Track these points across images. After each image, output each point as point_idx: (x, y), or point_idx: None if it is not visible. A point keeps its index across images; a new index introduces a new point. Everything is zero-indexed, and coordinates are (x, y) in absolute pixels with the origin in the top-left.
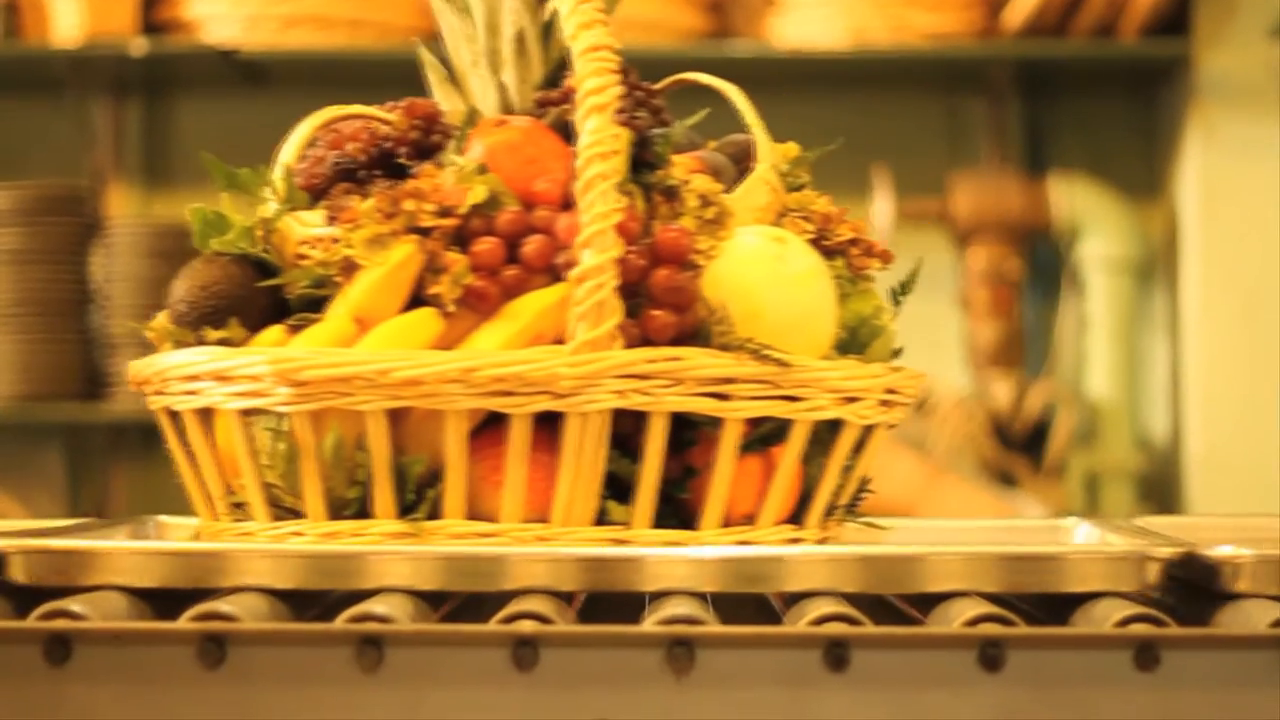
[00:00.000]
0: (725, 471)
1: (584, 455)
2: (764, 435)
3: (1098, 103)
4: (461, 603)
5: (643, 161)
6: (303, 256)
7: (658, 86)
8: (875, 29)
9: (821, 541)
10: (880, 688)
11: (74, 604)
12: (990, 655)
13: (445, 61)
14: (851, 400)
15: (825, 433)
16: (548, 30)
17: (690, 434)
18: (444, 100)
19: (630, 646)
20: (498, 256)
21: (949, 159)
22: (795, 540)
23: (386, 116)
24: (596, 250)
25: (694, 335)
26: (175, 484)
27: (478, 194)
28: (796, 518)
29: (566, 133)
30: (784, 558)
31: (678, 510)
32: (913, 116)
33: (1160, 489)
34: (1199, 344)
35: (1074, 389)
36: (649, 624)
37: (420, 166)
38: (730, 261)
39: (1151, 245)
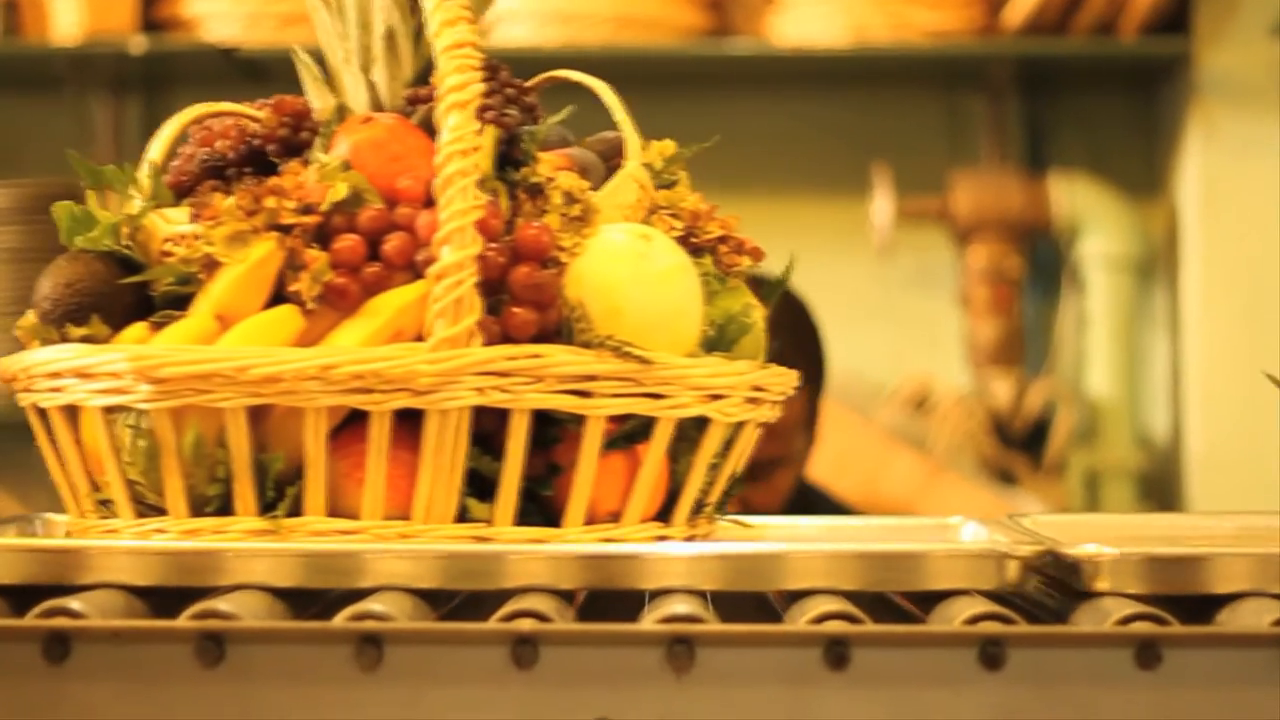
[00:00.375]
0: (588, 469)
1: (444, 452)
2: (628, 433)
3: (1098, 101)
4: (461, 601)
5: (512, 159)
6: (167, 254)
7: (529, 84)
8: (875, 26)
9: (689, 539)
10: (880, 686)
11: (73, 602)
12: (991, 654)
13: (321, 59)
14: (717, 397)
15: (693, 430)
16: (420, 29)
17: (555, 431)
18: (317, 98)
19: (630, 645)
20: (358, 254)
21: (949, 157)
22: (662, 538)
23: (256, 114)
24: (455, 247)
25: (556, 333)
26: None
27: (339, 191)
28: (665, 515)
29: (435, 131)
30: (641, 556)
31: (543, 508)
32: (913, 114)
33: (1160, 487)
34: (1199, 342)
35: (1074, 387)
36: (649, 622)
37: (287, 164)
38: (593, 259)
39: (1152, 243)
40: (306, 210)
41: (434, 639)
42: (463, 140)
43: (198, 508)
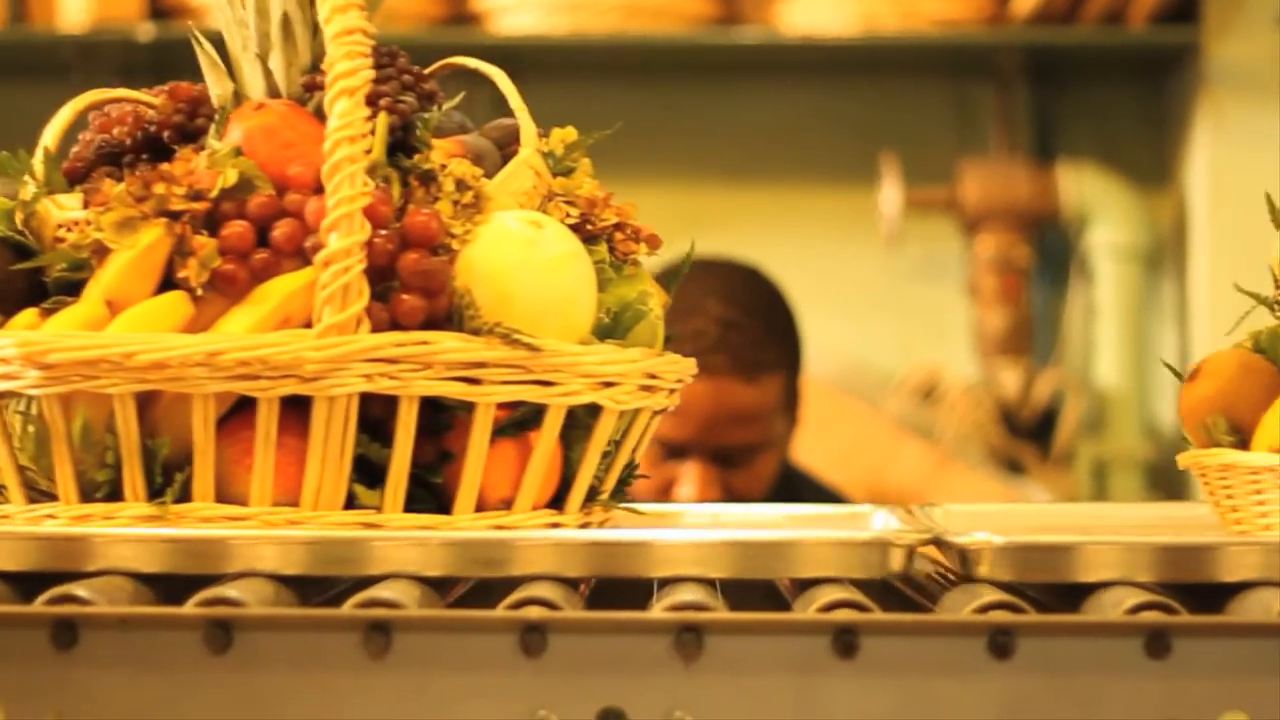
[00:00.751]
0: (478, 456)
1: (333, 439)
2: (519, 420)
3: (1107, 90)
4: (470, 588)
5: (407, 146)
6: (60, 240)
7: (428, 71)
8: (884, 16)
9: (583, 526)
10: (889, 675)
11: (80, 589)
12: (1000, 643)
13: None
14: (608, 385)
15: (587, 418)
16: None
17: (446, 418)
18: (215, 84)
19: (639, 633)
20: (247, 240)
21: (958, 146)
22: (554, 525)
23: (152, 100)
24: (342, 234)
25: (447, 320)
26: None
27: (229, 178)
28: (558, 503)
29: None
30: (510, 543)
31: (435, 495)
32: (921, 104)
33: (1168, 477)
34: (1207, 332)
35: (1082, 377)
36: (658, 610)
37: (181, 150)
38: (484, 245)
39: (1160, 233)
40: (196, 197)
41: (442, 626)
42: (351, 127)
43: (87, 493)
